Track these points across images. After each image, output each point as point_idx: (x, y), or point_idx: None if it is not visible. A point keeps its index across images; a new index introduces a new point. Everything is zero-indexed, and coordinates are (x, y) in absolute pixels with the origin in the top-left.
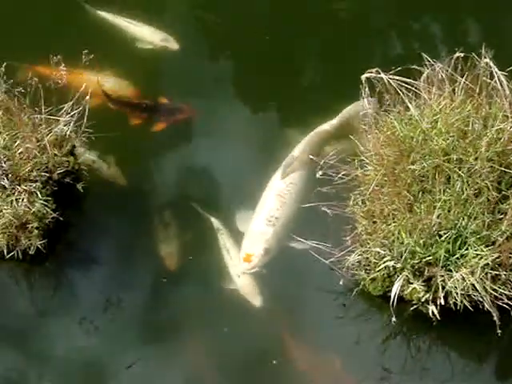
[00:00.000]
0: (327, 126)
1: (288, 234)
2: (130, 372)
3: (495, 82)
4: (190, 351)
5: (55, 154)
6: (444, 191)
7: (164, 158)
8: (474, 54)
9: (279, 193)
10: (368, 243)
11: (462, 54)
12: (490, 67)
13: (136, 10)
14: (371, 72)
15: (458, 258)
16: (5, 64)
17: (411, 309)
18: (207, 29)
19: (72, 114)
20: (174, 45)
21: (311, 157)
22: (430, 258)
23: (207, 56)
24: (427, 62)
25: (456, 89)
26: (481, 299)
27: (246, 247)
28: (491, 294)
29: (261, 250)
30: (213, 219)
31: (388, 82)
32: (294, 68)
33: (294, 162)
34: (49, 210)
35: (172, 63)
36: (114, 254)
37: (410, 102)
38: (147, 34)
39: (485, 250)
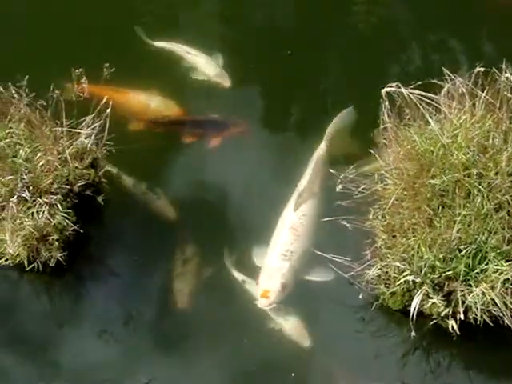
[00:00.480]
0: (320, 151)
1: (304, 268)
2: None
3: None
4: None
5: (76, 167)
6: (464, 206)
7: (195, 174)
8: (494, 68)
9: (292, 226)
10: (387, 257)
11: (483, 69)
12: (511, 82)
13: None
14: (391, 86)
15: (477, 273)
16: (27, 77)
17: (431, 323)
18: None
19: (93, 126)
20: (226, 80)
21: (331, 171)
22: (450, 272)
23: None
24: (447, 77)
25: (476, 103)
26: (501, 314)
27: (263, 283)
28: (511, 309)
29: (278, 285)
30: None
31: (408, 96)
32: (315, 83)
33: (304, 194)
34: (69, 222)
35: (215, 91)
36: (132, 268)
37: (431, 117)
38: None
39: (505, 265)
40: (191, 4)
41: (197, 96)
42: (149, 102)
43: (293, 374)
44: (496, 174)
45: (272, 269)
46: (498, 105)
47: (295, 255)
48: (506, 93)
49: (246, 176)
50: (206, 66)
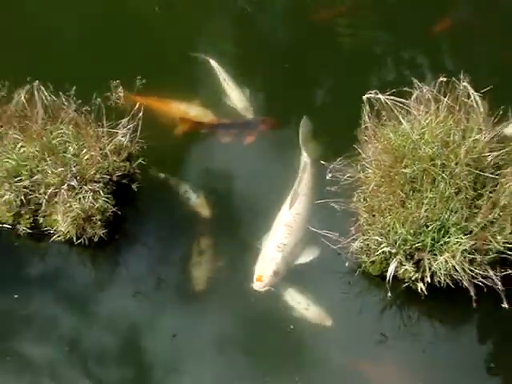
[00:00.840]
0: (304, 158)
1: (295, 258)
2: (176, 338)
3: (471, 101)
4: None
5: (114, 160)
6: (430, 190)
7: (217, 166)
8: (454, 78)
9: (287, 223)
10: (368, 232)
11: (445, 79)
12: (467, 89)
13: None
14: (371, 93)
15: (441, 245)
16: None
17: (403, 286)
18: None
19: (128, 127)
20: (249, 113)
21: (322, 162)
22: (419, 244)
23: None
24: (416, 86)
25: (440, 107)
26: (460, 278)
27: (259, 270)
28: (468, 274)
29: (271, 272)
30: None
31: (385, 101)
32: (309, 91)
33: (298, 196)
34: (109, 205)
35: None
36: (162, 241)
37: (403, 118)
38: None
39: (463, 238)
40: (241, 35)
41: (227, 113)
42: (188, 111)
43: (292, 326)
44: (456, 164)
45: (267, 258)
46: (457, 108)
47: (288, 247)
48: (463, 98)
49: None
50: (236, 98)
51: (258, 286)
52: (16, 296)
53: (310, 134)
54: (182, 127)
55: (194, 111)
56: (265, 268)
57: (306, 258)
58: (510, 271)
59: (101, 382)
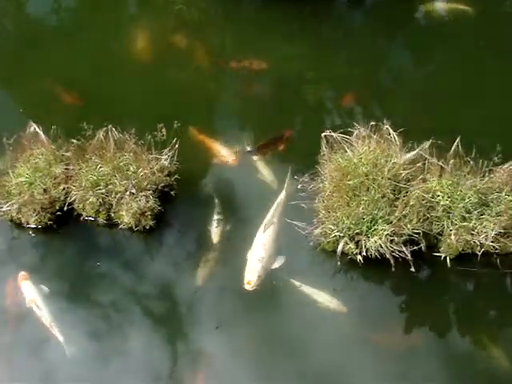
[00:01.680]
0: (282, 197)
1: (270, 265)
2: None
3: (391, 137)
4: None
5: (159, 176)
6: (365, 195)
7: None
8: (380, 122)
9: (262, 242)
10: (325, 223)
11: (374, 123)
12: (389, 130)
13: None
14: (327, 132)
15: (372, 231)
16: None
17: (348, 257)
18: None
19: (169, 154)
20: (275, 185)
21: (295, 177)
22: (358, 230)
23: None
24: (357, 127)
25: (371, 141)
26: (384, 252)
27: (247, 276)
28: (390, 249)
29: (256, 278)
30: None
31: (336, 137)
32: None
33: (268, 223)
34: (156, 205)
35: None
36: (194, 229)
37: (348, 148)
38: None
39: (387, 226)
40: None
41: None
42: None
43: (274, 282)
44: (382, 178)
45: (252, 268)
46: (382, 141)
47: (265, 258)
48: (386, 135)
49: None
50: (267, 174)
51: (248, 287)
52: (98, 263)
53: (292, 183)
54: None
55: (223, 151)
56: (251, 275)
57: (277, 264)
58: (415, 247)
59: (147, 313)
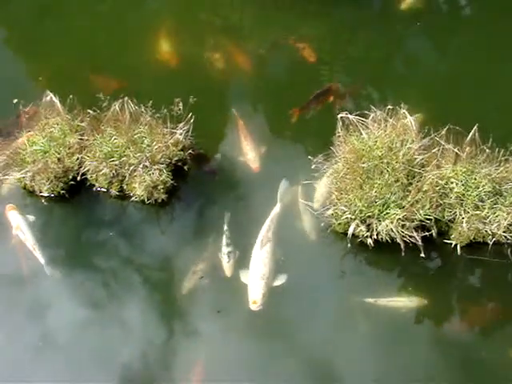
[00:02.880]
0: (277, 209)
1: (272, 282)
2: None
3: (407, 121)
4: None
5: (173, 150)
6: (379, 178)
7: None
8: (397, 106)
9: (262, 258)
10: (338, 205)
11: (391, 107)
12: (405, 114)
13: None
14: (343, 113)
15: (384, 214)
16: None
17: (358, 240)
18: None
19: (183, 129)
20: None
21: (310, 158)
22: (370, 213)
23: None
24: (373, 110)
25: (387, 124)
26: (395, 236)
27: (252, 296)
28: (400, 234)
29: (261, 296)
30: None
31: (352, 119)
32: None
33: (265, 239)
34: (169, 179)
35: None
36: (204, 202)
37: (363, 131)
38: None
39: (399, 210)
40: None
41: None
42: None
43: (282, 258)
44: (396, 162)
45: (255, 287)
46: (398, 126)
47: (266, 275)
48: (402, 120)
49: None
50: (251, 154)
51: (254, 307)
52: (111, 233)
53: (286, 192)
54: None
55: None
56: (256, 294)
57: (279, 281)
58: (426, 233)
59: (146, 278)
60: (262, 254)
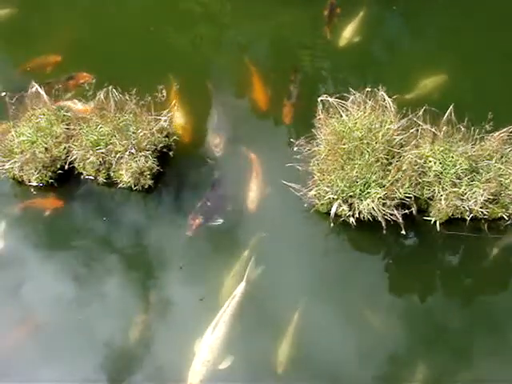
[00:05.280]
0: (241, 289)
1: (218, 365)
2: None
3: (386, 103)
4: None
5: (158, 137)
6: (359, 159)
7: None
8: (375, 89)
9: (209, 345)
10: (320, 185)
11: (370, 89)
12: (384, 96)
13: None
14: (324, 96)
15: (365, 194)
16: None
17: (341, 219)
18: None
19: (167, 116)
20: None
21: (292, 140)
22: (352, 193)
23: None
24: (352, 93)
25: (366, 106)
26: (376, 215)
27: (190, 379)
28: (382, 212)
29: (198, 381)
30: None
31: (332, 102)
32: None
33: (221, 322)
34: (155, 165)
35: None
36: (190, 187)
37: (343, 113)
38: None
39: (379, 189)
40: None
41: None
42: None
43: (264, 234)
44: (376, 142)
45: (195, 371)
46: (377, 107)
47: (211, 361)
48: (381, 101)
49: None
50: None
51: None
52: (105, 219)
53: (254, 272)
54: None
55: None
56: (194, 378)
57: (225, 364)
58: (406, 211)
59: (132, 260)
60: (210, 340)
